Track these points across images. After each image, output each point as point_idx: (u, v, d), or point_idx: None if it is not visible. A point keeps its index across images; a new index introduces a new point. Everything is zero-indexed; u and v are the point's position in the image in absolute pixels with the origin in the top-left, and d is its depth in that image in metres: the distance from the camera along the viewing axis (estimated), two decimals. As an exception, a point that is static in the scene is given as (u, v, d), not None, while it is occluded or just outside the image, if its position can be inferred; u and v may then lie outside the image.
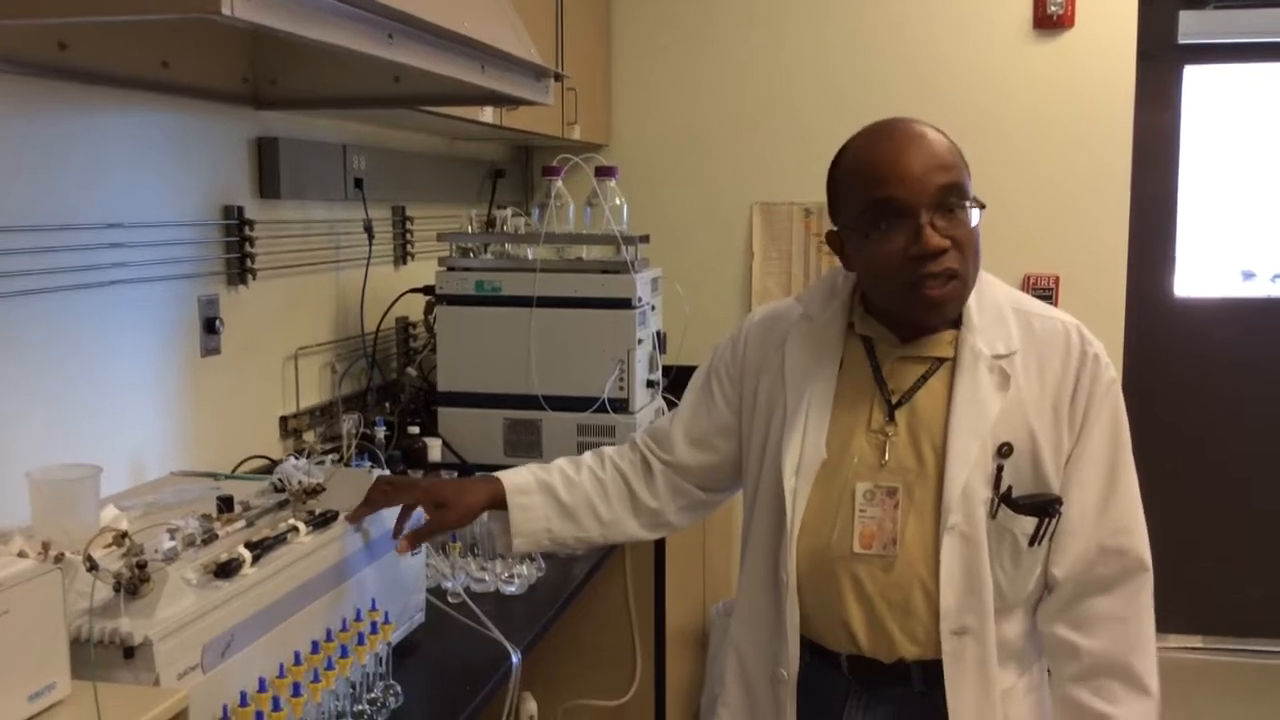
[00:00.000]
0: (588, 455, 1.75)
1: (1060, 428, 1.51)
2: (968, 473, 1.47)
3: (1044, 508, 1.49)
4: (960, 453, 1.48)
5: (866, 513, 1.51)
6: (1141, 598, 1.53)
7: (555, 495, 1.68)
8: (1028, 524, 1.49)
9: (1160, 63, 3.93)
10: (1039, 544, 1.51)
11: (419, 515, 1.67)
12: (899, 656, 1.51)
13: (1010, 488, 1.48)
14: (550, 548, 1.71)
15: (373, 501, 1.60)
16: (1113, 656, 1.51)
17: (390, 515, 1.65)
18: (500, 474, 1.69)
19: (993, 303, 1.56)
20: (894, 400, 1.53)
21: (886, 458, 1.52)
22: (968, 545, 1.48)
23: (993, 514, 1.48)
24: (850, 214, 1.51)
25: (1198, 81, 4.03)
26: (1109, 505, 1.51)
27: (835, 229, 1.56)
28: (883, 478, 1.51)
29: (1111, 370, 1.54)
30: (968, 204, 1.46)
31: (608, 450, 1.75)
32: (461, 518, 1.65)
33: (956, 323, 1.54)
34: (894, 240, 1.45)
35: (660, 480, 1.72)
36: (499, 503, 1.66)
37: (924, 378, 1.54)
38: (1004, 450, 1.48)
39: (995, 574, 1.49)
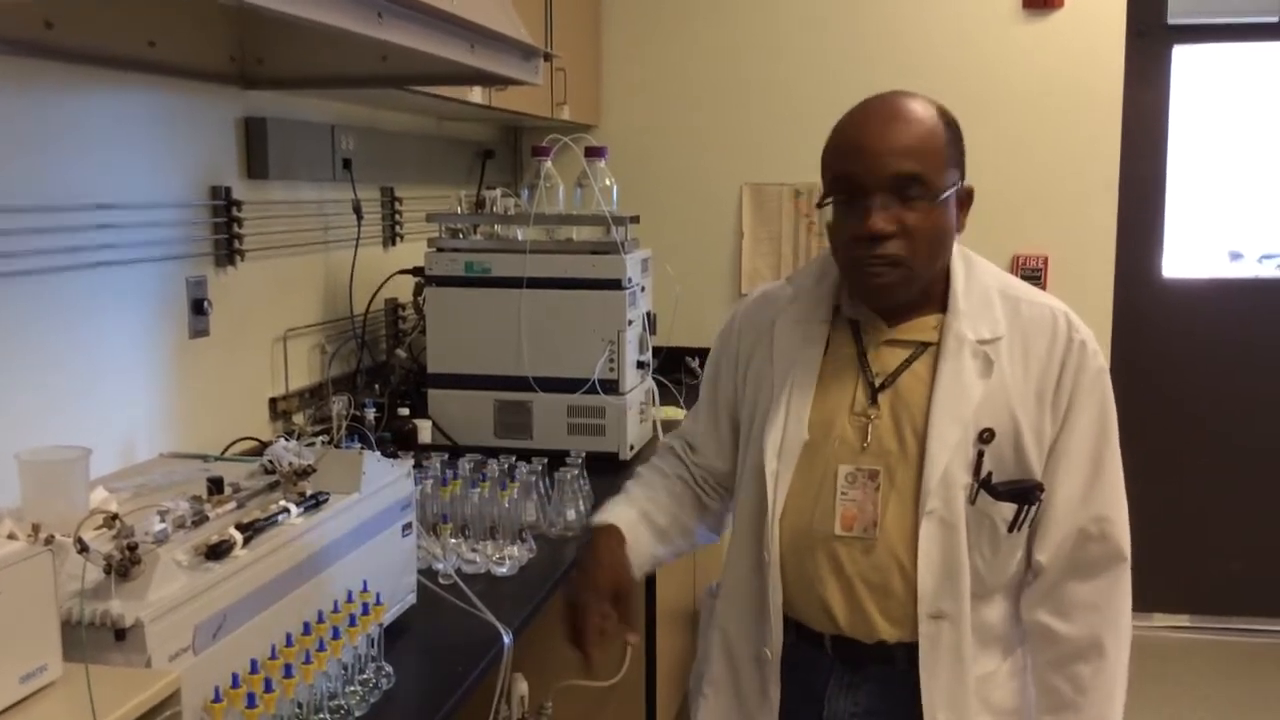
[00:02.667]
0: (650, 473, 1.78)
1: (1044, 414, 1.50)
2: (948, 458, 1.47)
3: (1024, 494, 1.49)
4: (940, 437, 1.48)
5: (848, 495, 1.51)
6: (1119, 587, 1.54)
7: (654, 524, 1.70)
8: (1007, 510, 1.50)
9: (1149, 42, 3.93)
10: (1018, 530, 1.51)
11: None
12: (879, 638, 1.52)
13: (990, 474, 1.48)
14: (653, 569, 1.79)
15: (583, 634, 1.59)
16: (1085, 641, 1.53)
17: (383, 496, 1.65)
18: (607, 515, 1.70)
19: (980, 287, 1.55)
20: (877, 383, 1.53)
21: (868, 440, 1.52)
22: (946, 530, 1.48)
23: (972, 500, 1.48)
24: (824, 185, 1.52)
25: (1187, 61, 4.03)
26: (1092, 492, 1.52)
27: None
28: (864, 460, 1.51)
29: (1100, 358, 1.53)
30: (931, 195, 1.45)
31: (661, 465, 1.79)
32: (624, 588, 1.65)
33: (943, 306, 1.54)
34: (848, 217, 1.47)
35: (708, 485, 1.76)
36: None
37: (908, 361, 1.54)
38: (985, 436, 1.48)
39: (974, 559, 1.50)
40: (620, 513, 1.69)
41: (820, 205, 1.51)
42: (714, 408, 1.73)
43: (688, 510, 1.74)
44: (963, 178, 1.51)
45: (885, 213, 1.43)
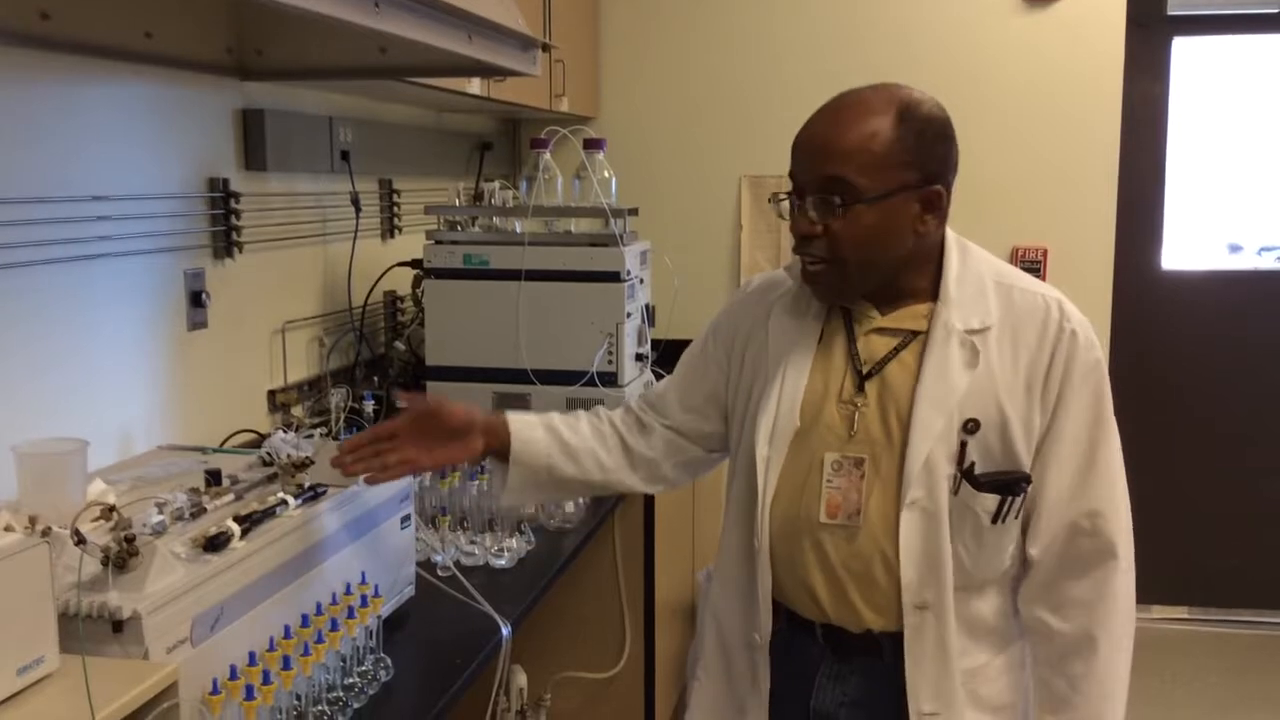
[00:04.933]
0: (583, 412, 1.75)
1: (1033, 406, 1.49)
2: (929, 447, 1.47)
3: (1007, 486, 1.49)
4: (923, 426, 1.47)
5: (833, 483, 1.51)
6: (1111, 582, 1.52)
7: (559, 435, 1.68)
8: (989, 501, 1.49)
9: (1149, 34, 3.92)
10: (1002, 522, 1.50)
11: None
12: (866, 627, 1.52)
13: (973, 464, 1.48)
14: (547, 487, 1.69)
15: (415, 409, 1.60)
16: (1077, 637, 1.52)
17: (382, 488, 1.65)
18: (506, 413, 1.68)
19: (974, 275, 1.55)
20: (864, 371, 1.53)
21: (855, 429, 1.52)
22: (928, 520, 1.48)
23: (955, 490, 1.48)
24: None
25: (1186, 53, 4.02)
26: (1084, 487, 1.50)
27: None
28: (851, 448, 1.51)
29: (1096, 349, 1.52)
30: (856, 200, 1.44)
31: (602, 410, 1.76)
32: (465, 454, 1.63)
33: (935, 295, 1.54)
34: (791, 213, 1.52)
35: (657, 437, 1.72)
36: (502, 436, 1.64)
37: (896, 350, 1.54)
38: (970, 426, 1.48)
39: (957, 550, 1.49)
40: (520, 415, 1.68)
41: (775, 201, 1.55)
42: (698, 373, 1.71)
43: (609, 448, 1.70)
44: (928, 180, 1.47)
45: (811, 214, 1.48)
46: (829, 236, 1.47)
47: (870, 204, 1.45)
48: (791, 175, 1.51)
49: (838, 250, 1.47)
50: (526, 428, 1.66)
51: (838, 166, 1.45)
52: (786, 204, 1.53)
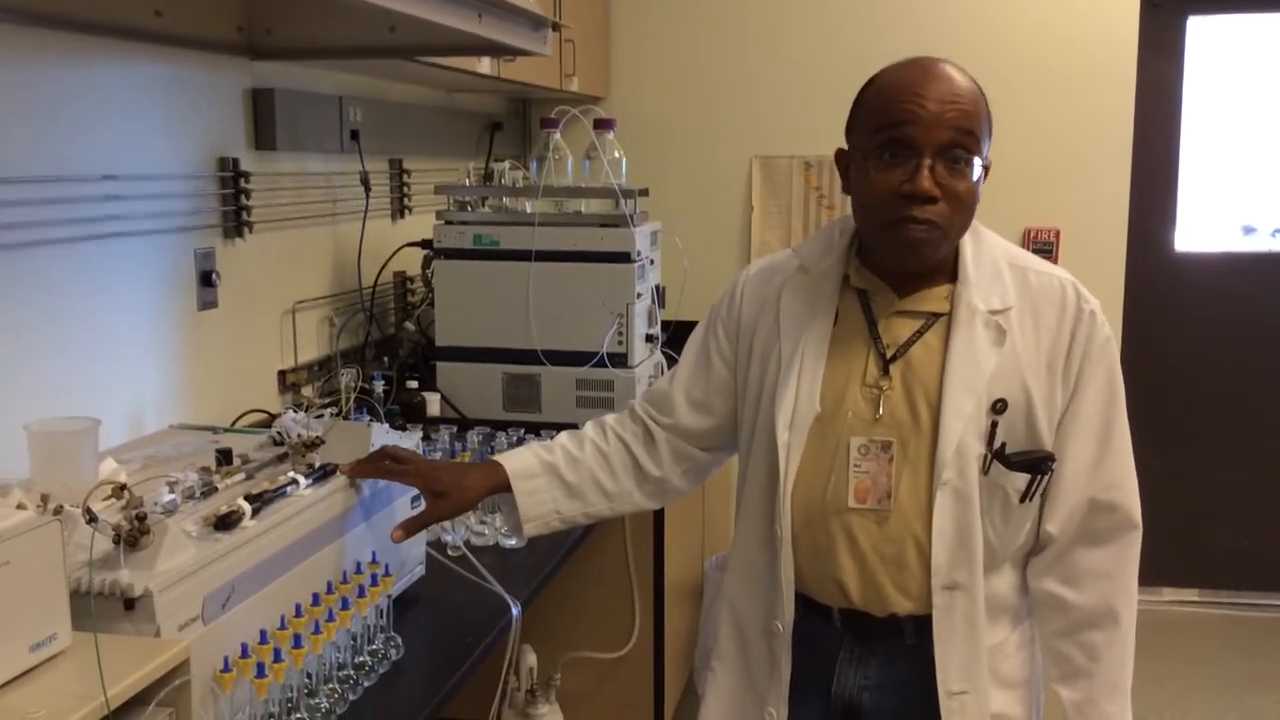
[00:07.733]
0: (589, 427, 1.74)
1: (1055, 384, 1.50)
2: (962, 428, 1.47)
3: (1036, 465, 1.49)
4: (955, 409, 1.47)
5: (861, 467, 1.50)
6: (1129, 554, 1.54)
7: (560, 475, 1.67)
8: (1019, 480, 1.49)
9: (1164, 12, 3.89)
10: (1029, 500, 1.51)
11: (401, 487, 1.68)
12: (891, 611, 1.52)
13: (1004, 444, 1.48)
14: (561, 527, 1.71)
15: (372, 468, 1.60)
16: (1097, 609, 1.53)
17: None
18: (502, 457, 1.68)
19: (989, 257, 1.54)
20: (888, 354, 1.53)
21: (881, 412, 1.51)
22: (960, 501, 1.47)
23: (985, 470, 1.48)
24: (861, 137, 1.50)
25: (1201, 32, 3.99)
26: (1102, 461, 1.52)
27: (845, 148, 1.54)
28: (877, 432, 1.51)
29: (1107, 328, 1.53)
30: (975, 159, 1.44)
31: (609, 420, 1.74)
32: (458, 508, 1.64)
33: (952, 277, 1.53)
34: (893, 173, 1.44)
35: (663, 447, 1.71)
36: (501, 488, 1.65)
37: (919, 332, 1.53)
38: (998, 406, 1.48)
39: (986, 530, 1.49)
40: (518, 458, 1.68)
41: (868, 161, 1.46)
42: (703, 365, 1.69)
43: (617, 470, 1.70)
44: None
45: (933, 174, 1.42)
46: (948, 199, 1.43)
47: (985, 167, 1.46)
48: (897, 136, 1.43)
49: (951, 215, 1.44)
50: (526, 477, 1.66)
51: (969, 125, 1.43)
52: (876, 163, 1.45)
